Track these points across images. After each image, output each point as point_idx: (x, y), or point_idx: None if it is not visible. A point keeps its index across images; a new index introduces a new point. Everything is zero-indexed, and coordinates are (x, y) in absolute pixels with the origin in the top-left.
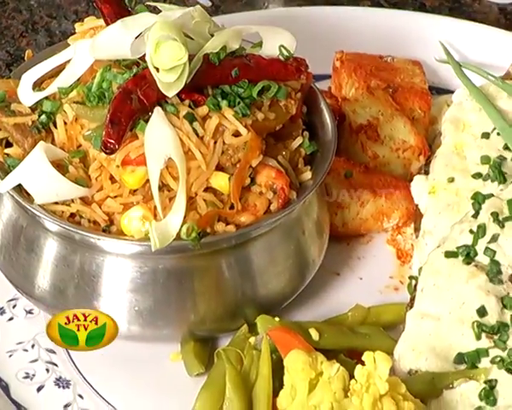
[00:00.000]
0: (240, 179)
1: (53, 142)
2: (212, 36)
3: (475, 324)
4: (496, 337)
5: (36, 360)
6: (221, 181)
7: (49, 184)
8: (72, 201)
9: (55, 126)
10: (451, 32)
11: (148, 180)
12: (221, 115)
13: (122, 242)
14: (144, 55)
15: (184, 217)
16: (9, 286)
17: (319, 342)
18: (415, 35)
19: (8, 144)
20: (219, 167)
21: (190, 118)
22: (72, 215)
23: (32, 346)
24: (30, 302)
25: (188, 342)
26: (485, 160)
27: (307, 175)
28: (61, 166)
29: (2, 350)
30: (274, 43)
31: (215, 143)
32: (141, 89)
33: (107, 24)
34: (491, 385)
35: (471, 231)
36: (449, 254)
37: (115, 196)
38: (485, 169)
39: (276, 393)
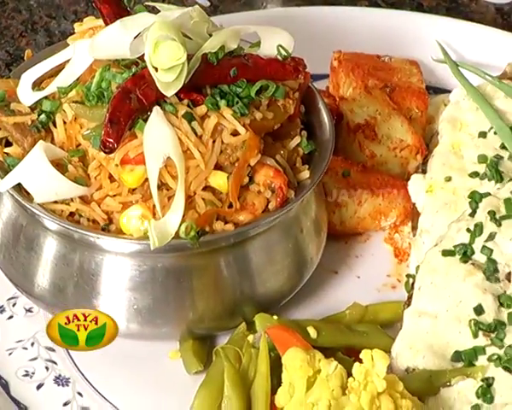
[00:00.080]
0: (238, 178)
1: (52, 141)
2: (211, 36)
3: (472, 322)
4: (493, 335)
5: (35, 358)
6: (219, 180)
7: (49, 183)
8: (72, 200)
9: (55, 126)
10: (449, 31)
11: (146, 179)
12: (219, 115)
13: (121, 240)
14: (143, 55)
15: (183, 216)
16: (9, 285)
17: (317, 340)
18: (412, 35)
19: (8, 144)
20: (218, 166)
21: (189, 117)
22: (72, 214)
23: (32, 344)
24: (29, 301)
25: (186, 341)
26: (482, 159)
27: (305, 174)
28: (60, 166)
29: (1, 348)
30: (272, 43)
31: (214, 142)
32: (140, 88)
33: (107, 24)
34: (488, 383)
35: (468, 230)
36: (446, 253)
37: (114, 195)
38: (482, 168)
39: (274, 390)
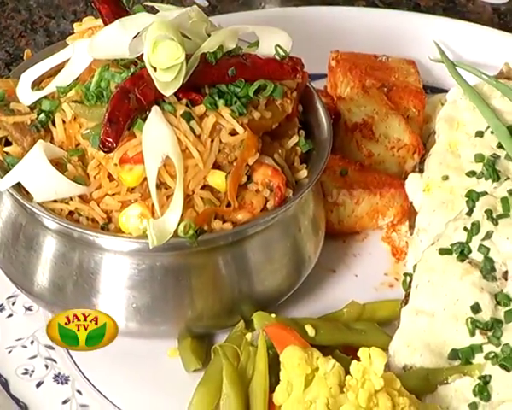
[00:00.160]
0: (236, 177)
1: (52, 140)
2: (209, 36)
3: (469, 320)
4: (490, 334)
5: (35, 357)
6: (218, 179)
7: (48, 182)
8: (71, 199)
9: (54, 125)
10: (446, 31)
11: (145, 178)
12: (218, 114)
13: (120, 239)
14: (142, 55)
15: (182, 215)
16: (9, 283)
17: (315, 339)
18: (409, 35)
19: (8, 143)
20: (216, 166)
21: (187, 117)
22: (71, 213)
23: (32, 342)
24: (29, 299)
25: (185, 339)
26: (479, 158)
27: (303, 173)
28: (59, 165)
29: (1, 346)
30: (270, 43)
31: (212, 141)
32: (138, 88)
33: (106, 24)
34: (485, 381)
35: (465, 229)
36: (443, 252)
37: (113, 194)
38: (479, 167)
39: (272, 388)
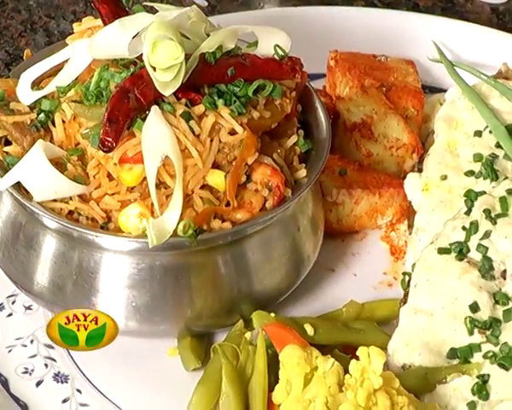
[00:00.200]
0: (236, 177)
1: (51, 140)
2: (209, 36)
3: (468, 319)
4: (488, 333)
5: (35, 356)
6: (217, 179)
7: (48, 181)
8: (71, 198)
9: (54, 125)
10: (444, 31)
11: (145, 178)
12: (217, 114)
13: (120, 238)
14: (141, 55)
15: (181, 214)
16: (8, 282)
17: (314, 338)
18: (408, 35)
19: (8, 143)
20: (215, 165)
21: (187, 116)
22: (71, 212)
23: (31, 341)
24: (29, 298)
25: (184, 338)
26: (477, 157)
27: (302, 173)
28: (59, 164)
29: (1, 346)
30: (269, 43)
31: (211, 141)
32: (138, 88)
33: (105, 24)
34: (483, 380)
35: (464, 228)
36: (442, 251)
37: (113, 194)
38: (477, 167)
39: (271, 387)
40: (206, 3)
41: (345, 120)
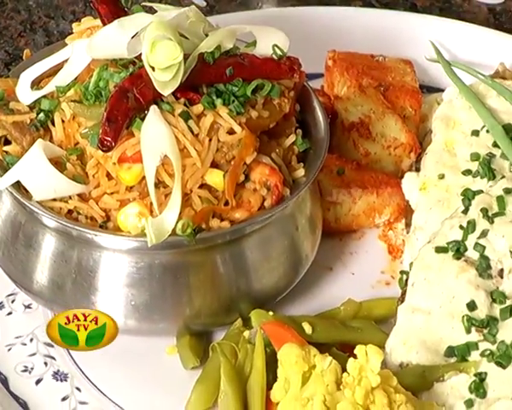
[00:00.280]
0: (234, 176)
1: (51, 140)
2: (207, 35)
3: (465, 318)
4: (485, 331)
5: (34, 354)
6: (216, 178)
7: (47, 181)
8: (70, 197)
9: (53, 124)
10: (442, 31)
11: (144, 177)
12: (216, 113)
13: (119, 237)
14: (140, 55)
15: (180, 213)
16: (8, 281)
17: (312, 336)
18: (406, 35)
19: (7, 142)
20: (214, 164)
21: (185, 116)
22: (70, 212)
23: (31, 340)
24: (28, 297)
25: (183, 336)
26: (474, 157)
27: (300, 172)
28: (58, 164)
29: (1, 344)
30: (267, 43)
31: (210, 140)
32: (137, 87)
33: (104, 24)
34: (480, 378)
35: (461, 227)
36: (439, 250)
37: (112, 193)
38: (474, 166)
39: (269, 386)
40: (205, 3)
41: (343, 120)
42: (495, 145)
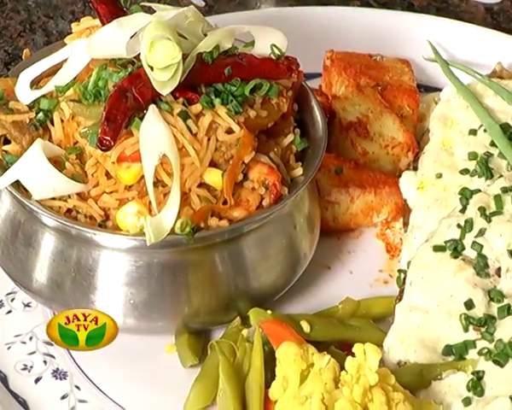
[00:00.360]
0: (233, 175)
1: (50, 139)
2: (206, 35)
3: (463, 316)
4: (483, 330)
5: (34, 353)
6: (214, 177)
7: (47, 180)
8: (69, 196)
9: (53, 124)
10: (439, 31)
11: (143, 176)
12: (214, 113)
13: (118, 236)
14: (139, 55)
15: (178, 212)
16: (8, 280)
17: (310, 335)
18: (403, 34)
19: (7, 141)
20: (213, 164)
21: (184, 115)
22: (69, 211)
23: (30, 338)
24: (28, 296)
25: (182, 335)
26: (472, 156)
27: (298, 171)
28: (58, 163)
29: (0, 343)
30: (266, 43)
31: (208, 139)
32: (136, 87)
33: (103, 24)
34: (478, 376)
35: (459, 226)
36: (437, 248)
37: (111, 192)
38: (472, 165)
39: (268, 384)
40: (204, 3)
41: (341, 119)
42: (492, 144)
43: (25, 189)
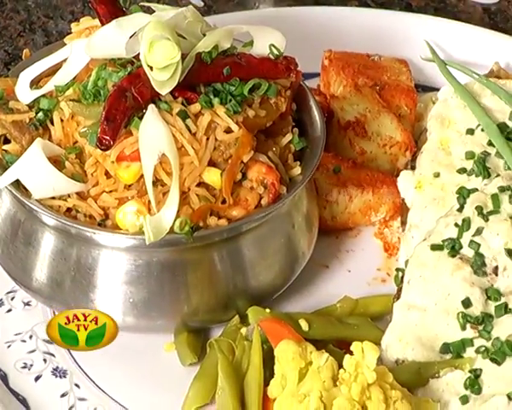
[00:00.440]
0: (231, 175)
1: (50, 138)
2: (205, 35)
3: (460, 314)
4: (480, 328)
5: (34, 351)
6: (213, 176)
7: (46, 179)
8: (69, 196)
9: (52, 123)
10: (437, 31)
11: (142, 175)
12: (213, 112)
13: (117, 235)
14: (138, 54)
15: (178, 211)
16: (8, 279)
17: (309, 333)
18: (401, 34)
19: (7, 141)
20: (211, 163)
21: (183, 115)
22: (69, 210)
23: (30, 337)
24: (28, 294)
25: (181, 333)
26: (469, 155)
27: (297, 170)
28: (57, 162)
29: (0, 341)
30: (264, 43)
31: (207, 139)
32: (135, 87)
33: (103, 24)
34: (475, 374)
35: (456, 225)
36: (434, 247)
37: (110, 191)
38: (469, 164)
39: (266, 382)
40: (202, 4)
41: (339, 119)
42: (490, 144)
43: (25, 188)
